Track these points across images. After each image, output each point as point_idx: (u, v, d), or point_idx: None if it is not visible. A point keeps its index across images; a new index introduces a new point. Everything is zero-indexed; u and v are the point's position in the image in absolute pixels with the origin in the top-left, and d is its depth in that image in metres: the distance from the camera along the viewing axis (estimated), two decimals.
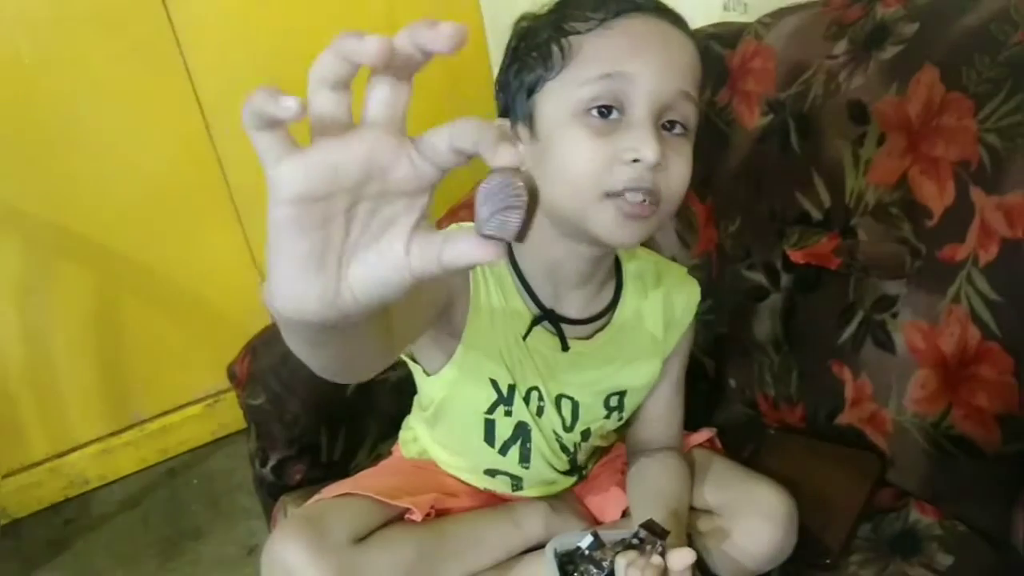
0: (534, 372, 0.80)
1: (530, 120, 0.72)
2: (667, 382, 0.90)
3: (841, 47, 0.95)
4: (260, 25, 1.61)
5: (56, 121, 1.53)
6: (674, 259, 0.93)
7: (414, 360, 0.81)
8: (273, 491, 1.02)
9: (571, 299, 0.81)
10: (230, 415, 1.80)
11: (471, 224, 0.35)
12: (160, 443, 1.81)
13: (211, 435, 1.85)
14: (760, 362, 1.06)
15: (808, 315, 0.99)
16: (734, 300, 1.08)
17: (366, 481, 0.84)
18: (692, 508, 0.83)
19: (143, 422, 1.80)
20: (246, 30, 1.61)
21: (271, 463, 1.01)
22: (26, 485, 1.71)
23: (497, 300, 0.78)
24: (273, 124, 0.33)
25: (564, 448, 0.85)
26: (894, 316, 0.90)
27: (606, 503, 0.89)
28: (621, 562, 0.68)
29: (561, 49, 0.69)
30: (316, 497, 0.82)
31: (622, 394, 0.85)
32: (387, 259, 0.35)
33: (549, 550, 0.75)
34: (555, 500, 0.88)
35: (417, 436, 0.93)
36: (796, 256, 0.98)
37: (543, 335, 0.80)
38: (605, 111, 0.67)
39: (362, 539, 0.74)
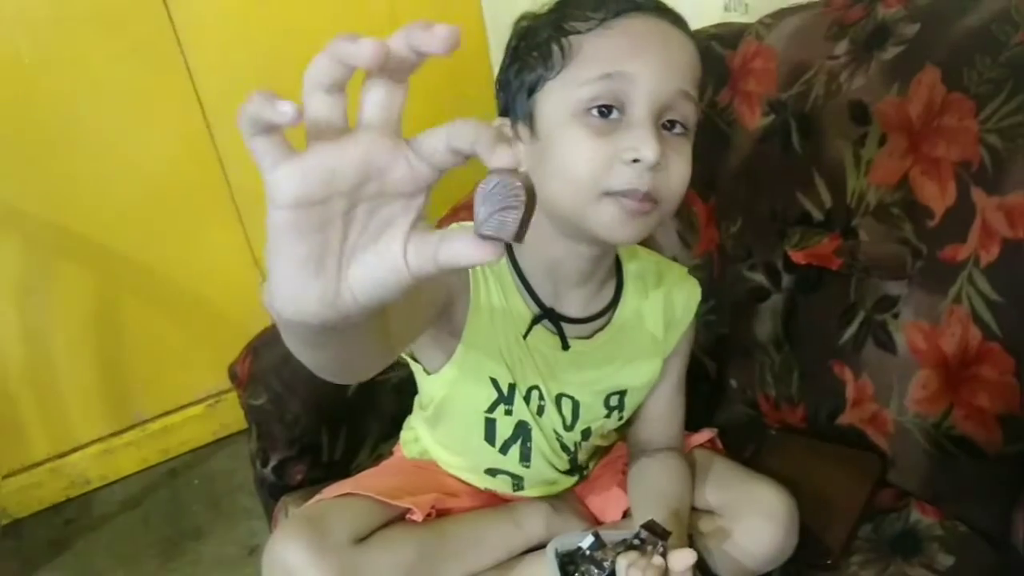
0: (534, 371, 0.80)
1: (530, 119, 0.72)
2: (668, 382, 0.90)
3: (842, 47, 0.95)
4: (261, 25, 1.61)
5: (56, 121, 1.53)
6: (675, 259, 0.93)
7: (415, 359, 0.81)
8: (274, 491, 1.02)
9: (571, 298, 0.81)
10: (231, 415, 1.80)
11: (471, 223, 0.35)
12: (161, 443, 1.81)
13: (212, 435, 1.85)
14: (761, 362, 1.06)
15: (809, 315, 0.99)
16: (735, 300, 1.08)
17: (367, 481, 0.84)
18: (693, 508, 0.83)
19: (144, 422, 1.80)
20: (247, 30, 1.61)
21: (272, 463, 1.01)
22: (27, 485, 1.71)
23: (497, 299, 0.78)
24: (269, 129, 0.33)
25: (564, 447, 0.85)
26: (895, 316, 0.90)
27: (607, 503, 0.89)
28: (622, 563, 0.68)
29: (561, 49, 0.69)
30: (317, 497, 0.82)
31: (622, 393, 0.85)
32: (385, 260, 0.35)
33: (550, 550, 0.75)
34: (556, 500, 0.88)
35: (418, 436, 0.93)
36: (797, 256, 0.98)
37: (543, 334, 0.80)
38: (605, 111, 0.67)
39: (363, 539, 0.74)
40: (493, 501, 0.88)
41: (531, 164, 0.72)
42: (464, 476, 0.89)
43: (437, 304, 0.72)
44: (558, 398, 0.82)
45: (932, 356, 0.87)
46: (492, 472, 0.86)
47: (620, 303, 0.84)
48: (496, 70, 0.78)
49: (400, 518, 0.79)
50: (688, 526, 0.80)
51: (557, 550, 0.75)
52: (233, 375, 1.06)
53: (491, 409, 0.80)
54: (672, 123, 0.69)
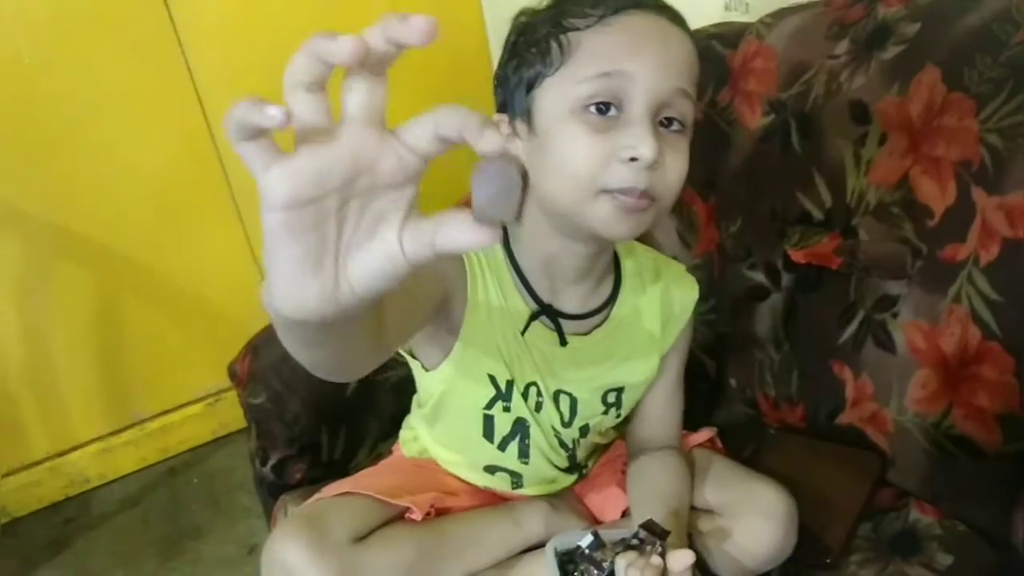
0: (532, 367, 0.80)
1: (528, 116, 0.72)
2: (666, 379, 0.90)
3: (842, 47, 0.95)
4: (261, 25, 1.61)
5: (56, 121, 1.53)
6: (675, 259, 0.93)
7: (413, 356, 0.81)
8: (273, 490, 1.02)
9: (569, 294, 0.81)
10: (230, 414, 1.79)
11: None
12: (160, 442, 1.81)
13: (211, 434, 1.85)
14: (761, 362, 1.06)
15: (809, 315, 0.99)
16: (735, 300, 1.08)
17: (366, 480, 0.84)
18: (693, 508, 0.83)
19: (143, 421, 1.80)
20: (247, 30, 1.61)
21: (271, 462, 1.01)
22: (26, 484, 1.71)
23: (495, 296, 0.78)
24: (258, 134, 0.33)
25: (563, 444, 0.85)
26: (895, 316, 0.90)
27: (606, 502, 0.89)
28: (621, 563, 0.68)
29: (560, 45, 0.69)
30: (316, 496, 0.82)
31: (620, 390, 0.85)
32: (382, 250, 0.36)
33: (549, 549, 0.75)
34: (555, 499, 0.88)
35: (417, 435, 0.93)
36: (797, 256, 0.98)
37: (541, 330, 0.80)
38: (603, 108, 0.67)
39: (362, 538, 0.74)
40: (492, 500, 0.88)
41: (529, 160, 0.72)
42: (463, 474, 0.89)
43: (434, 301, 0.72)
44: (556, 394, 0.82)
45: (932, 355, 0.87)
46: (491, 469, 0.86)
47: (618, 299, 0.84)
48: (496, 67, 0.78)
49: (399, 517, 0.79)
50: (688, 525, 0.80)
51: (556, 549, 0.75)
52: (232, 374, 1.06)
53: (489, 406, 0.80)
54: (670, 120, 0.69)
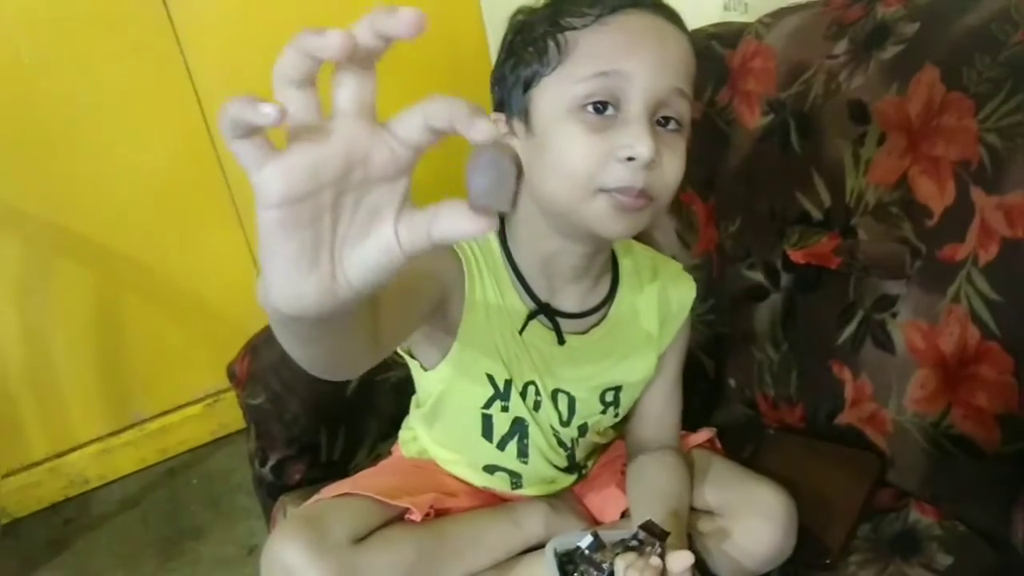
0: (530, 367, 0.80)
1: (526, 115, 0.72)
2: (664, 379, 0.90)
3: (841, 47, 0.95)
4: (261, 25, 1.61)
5: (56, 121, 1.53)
6: (675, 259, 0.93)
7: (412, 356, 0.81)
8: (273, 491, 1.02)
9: (567, 293, 0.81)
10: (230, 415, 1.80)
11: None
12: (160, 443, 1.81)
13: (211, 435, 1.85)
14: (760, 362, 1.06)
15: (808, 315, 0.99)
16: (734, 300, 1.08)
17: (366, 481, 0.84)
18: (692, 509, 0.83)
19: (143, 422, 1.80)
20: (247, 30, 1.61)
21: (271, 463, 1.01)
22: (26, 485, 1.71)
23: (492, 295, 0.78)
24: (252, 132, 0.33)
25: (561, 443, 0.86)
26: (894, 316, 0.90)
27: (606, 503, 0.89)
28: (620, 564, 0.68)
29: (557, 45, 0.69)
30: (316, 497, 0.82)
31: (617, 389, 0.85)
32: (378, 244, 0.36)
33: (549, 550, 0.75)
34: (555, 500, 0.88)
35: (416, 436, 0.93)
36: (796, 256, 0.98)
37: (539, 329, 0.80)
38: (600, 107, 0.67)
39: (362, 539, 0.74)
40: (492, 501, 0.88)
41: (526, 160, 0.72)
42: (462, 473, 0.89)
43: (432, 301, 0.72)
44: (554, 394, 0.82)
45: (931, 355, 0.87)
46: (490, 469, 0.86)
47: (616, 298, 0.84)
48: None
49: (399, 518, 0.79)
50: (687, 526, 0.80)
51: (556, 550, 0.75)
52: (232, 374, 1.06)
53: (487, 405, 0.80)
54: (667, 120, 0.69)
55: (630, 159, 0.66)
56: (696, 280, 0.91)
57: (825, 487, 0.89)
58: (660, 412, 0.91)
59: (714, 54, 1.06)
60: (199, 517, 1.64)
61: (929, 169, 0.86)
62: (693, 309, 0.90)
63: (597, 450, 0.94)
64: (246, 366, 1.03)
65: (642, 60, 0.67)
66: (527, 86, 0.71)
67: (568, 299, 0.81)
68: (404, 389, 0.94)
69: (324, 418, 1.01)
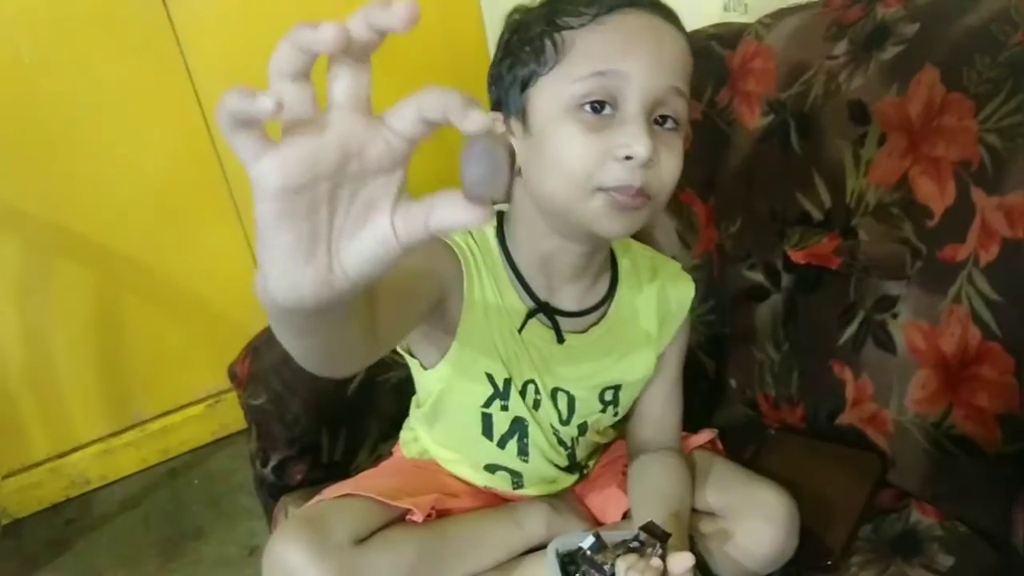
0: (530, 366, 0.80)
1: (523, 114, 0.72)
2: (664, 378, 0.90)
3: (841, 47, 0.95)
4: (261, 25, 1.61)
5: (56, 121, 1.53)
6: (675, 259, 0.93)
7: (412, 355, 0.81)
8: (274, 491, 1.02)
9: (566, 292, 0.81)
10: (231, 415, 1.80)
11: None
12: (161, 443, 1.81)
13: (212, 435, 1.85)
14: (761, 362, 1.06)
15: (809, 315, 0.99)
16: (735, 300, 1.08)
17: (367, 482, 0.84)
18: (694, 510, 0.83)
19: (144, 422, 1.80)
20: (247, 30, 1.61)
21: (272, 463, 1.01)
22: (27, 485, 1.71)
23: (491, 294, 0.78)
24: (250, 124, 0.33)
25: (562, 442, 0.86)
26: (895, 316, 0.90)
27: (607, 503, 0.89)
28: (621, 565, 0.68)
29: (554, 44, 0.69)
30: (317, 498, 0.82)
31: (617, 388, 0.85)
32: (374, 236, 0.36)
33: (551, 550, 0.75)
34: (557, 500, 0.88)
35: (418, 436, 0.93)
36: (797, 256, 0.98)
37: (538, 328, 0.80)
38: (598, 107, 0.67)
39: (363, 540, 0.74)
40: (493, 501, 0.88)
41: (524, 159, 0.72)
42: (463, 473, 0.89)
43: (430, 300, 0.72)
44: (553, 392, 0.82)
45: (932, 356, 0.87)
46: (491, 468, 0.86)
47: (615, 297, 0.84)
48: None
49: (400, 519, 0.79)
50: (689, 527, 0.80)
51: (558, 550, 0.75)
52: (233, 375, 1.06)
53: (487, 404, 0.81)
54: (664, 118, 0.69)
55: (628, 158, 0.66)
56: (696, 280, 0.91)
57: (826, 488, 0.89)
58: (661, 412, 0.91)
59: (714, 55, 1.06)
60: (200, 517, 1.64)
61: (929, 170, 0.86)
62: (692, 309, 0.90)
63: (598, 450, 0.94)
64: (247, 366, 1.03)
65: (639, 60, 0.67)
66: (524, 86, 0.71)
67: (567, 298, 0.81)
68: (405, 389, 0.94)
69: (325, 418, 1.01)
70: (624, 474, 0.89)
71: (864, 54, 0.92)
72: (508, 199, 0.31)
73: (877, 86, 0.91)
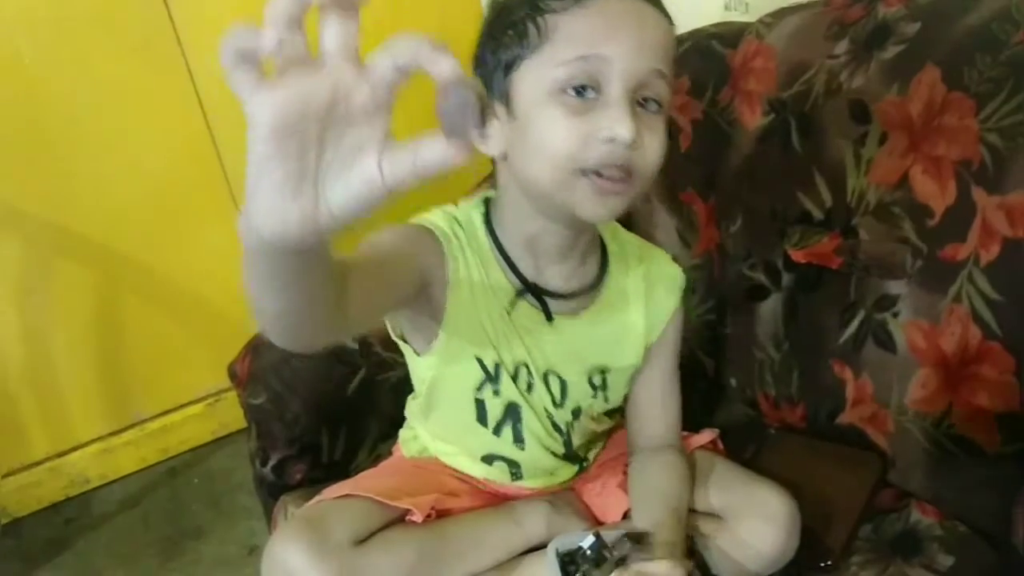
0: (520, 347, 0.80)
1: (507, 98, 0.72)
2: (658, 371, 0.90)
3: (842, 47, 0.95)
4: (261, 24, 1.61)
5: (56, 121, 1.53)
6: (675, 258, 0.93)
7: (405, 341, 0.82)
8: (273, 491, 1.02)
9: (553, 272, 0.82)
10: (231, 414, 1.79)
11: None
12: (161, 442, 1.81)
13: (212, 434, 1.85)
14: (761, 361, 1.06)
15: (809, 314, 0.99)
16: (735, 299, 1.08)
17: (367, 482, 0.83)
18: (695, 511, 0.83)
19: (143, 421, 1.80)
20: None
21: (272, 463, 1.01)
22: (27, 484, 1.71)
23: (477, 273, 0.78)
24: (251, 58, 0.36)
25: (556, 427, 0.86)
26: (895, 315, 0.90)
27: (608, 503, 0.89)
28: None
29: (537, 28, 0.69)
30: (317, 498, 0.82)
31: (604, 372, 0.86)
32: (361, 176, 0.38)
33: (551, 550, 0.75)
34: (557, 499, 0.88)
35: (417, 434, 0.93)
36: (797, 255, 0.98)
37: (527, 309, 0.81)
38: (581, 90, 0.68)
39: (363, 541, 0.74)
40: (494, 501, 0.88)
41: (509, 143, 0.72)
42: (461, 465, 0.89)
43: (411, 285, 0.73)
44: (545, 375, 0.82)
45: (932, 355, 0.87)
46: (488, 459, 0.86)
47: (604, 281, 0.85)
48: None
49: (400, 519, 0.79)
50: (689, 527, 0.80)
51: (558, 550, 0.75)
52: (233, 374, 1.06)
53: (479, 389, 0.81)
54: (647, 100, 0.70)
55: (611, 141, 0.67)
56: (697, 280, 0.91)
57: (826, 487, 0.89)
58: (659, 410, 0.90)
59: (715, 54, 1.06)
60: (200, 517, 1.64)
61: (930, 169, 0.86)
62: (685, 297, 0.90)
63: (596, 441, 0.93)
64: (247, 366, 1.03)
65: (621, 43, 0.67)
66: (508, 69, 0.71)
67: (554, 278, 0.82)
68: (404, 389, 0.94)
69: (325, 418, 1.01)
70: (625, 473, 0.89)
71: (865, 53, 0.92)
72: (482, 135, 0.34)
73: (878, 85, 0.90)
